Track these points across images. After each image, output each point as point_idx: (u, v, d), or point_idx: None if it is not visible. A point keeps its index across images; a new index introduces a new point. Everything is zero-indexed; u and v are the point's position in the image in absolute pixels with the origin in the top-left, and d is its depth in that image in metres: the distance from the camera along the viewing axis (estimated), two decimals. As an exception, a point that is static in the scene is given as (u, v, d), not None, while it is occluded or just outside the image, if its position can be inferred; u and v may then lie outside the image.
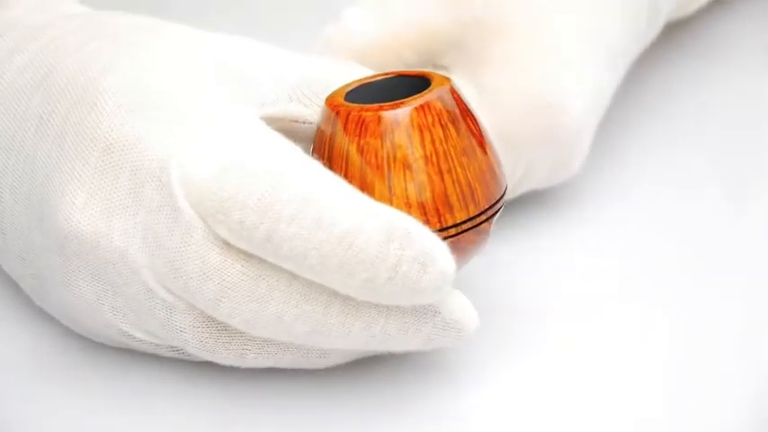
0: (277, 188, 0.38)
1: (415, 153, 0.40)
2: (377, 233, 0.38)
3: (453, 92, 0.42)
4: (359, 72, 0.45)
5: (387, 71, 0.44)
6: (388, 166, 0.40)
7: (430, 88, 0.41)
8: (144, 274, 0.40)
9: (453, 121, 0.41)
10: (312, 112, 0.44)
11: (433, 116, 0.41)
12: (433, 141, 0.40)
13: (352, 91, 0.43)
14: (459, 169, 0.41)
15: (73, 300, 0.42)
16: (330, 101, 0.42)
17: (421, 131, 0.40)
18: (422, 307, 0.40)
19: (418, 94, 0.41)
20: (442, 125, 0.41)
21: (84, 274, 0.42)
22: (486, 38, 0.50)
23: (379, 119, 0.40)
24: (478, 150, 0.41)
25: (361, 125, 0.41)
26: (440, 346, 0.41)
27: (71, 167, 0.41)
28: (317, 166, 0.40)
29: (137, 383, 0.43)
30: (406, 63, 0.51)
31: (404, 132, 0.40)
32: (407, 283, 0.38)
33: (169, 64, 0.43)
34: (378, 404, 0.43)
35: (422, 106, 0.41)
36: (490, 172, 0.41)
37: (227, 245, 0.39)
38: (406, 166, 0.40)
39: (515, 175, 0.50)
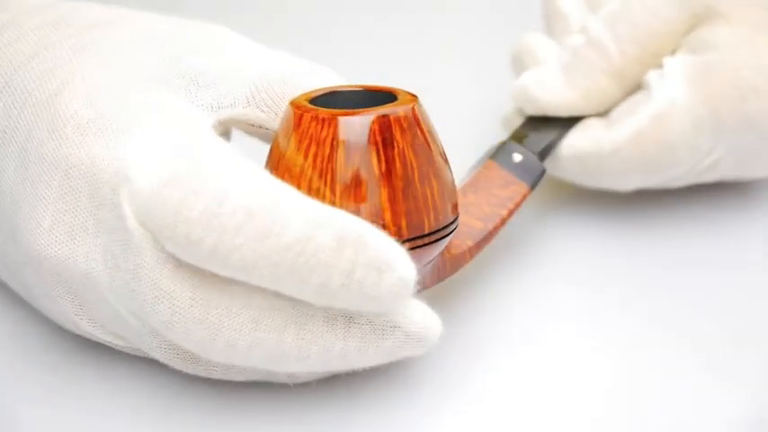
0: (220, 200, 0.37)
1: (353, 165, 0.40)
2: (328, 240, 0.37)
3: (415, 112, 0.41)
4: (327, 77, 0.44)
5: (356, 84, 0.44)
6: (331, 173, 0.40)
7: (390, 104, 0.41)
8: (108, 297, 0.40)
9: (401, 141, 0.40)
10: (268, 117, 0.44)
11: (383, 131, 0.40)
12: (377, 158, 0.40)
13: (319, 97, 0.43)
14: (380, 196, 0.40)
15: (56, 308, 0.43)
16: (293, 101, 0.42)
17: (369, 144, 0.40)
18: (380, 324, 0.39)
19: (375, 107, 0.40)
20: (388, 142, 0.40)
21: (60, 290, 0.42)
22: (713, 22, 0.50)
23: (327, 124, 0.40)
24: (419, 178, 0.41)
25: (307, 127, 0.40)
26: (404, 356, 0.40)
27: (35, 191, 0.41)
28: (264, 176, 0.39)
29: (136, 384, 0.43)
30: (649, 68, 0.51)
31: (350, 143, 0.40)
32: (364, 289, 0.37)
33: (126, 67, 0.43)
34: (357, 412, 0.42)
35: (378, 118, 0.40)
36: (437, 197, 0.41)
37: (177, 268, 0.38)
38: (342, 175, 0.40)
39: (704, 162, 0.50)
